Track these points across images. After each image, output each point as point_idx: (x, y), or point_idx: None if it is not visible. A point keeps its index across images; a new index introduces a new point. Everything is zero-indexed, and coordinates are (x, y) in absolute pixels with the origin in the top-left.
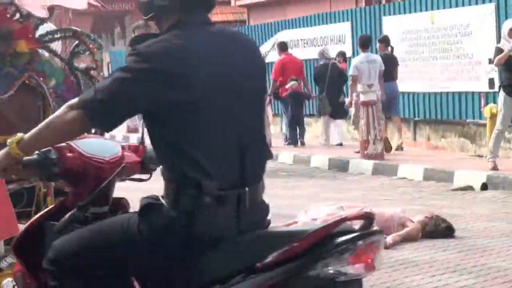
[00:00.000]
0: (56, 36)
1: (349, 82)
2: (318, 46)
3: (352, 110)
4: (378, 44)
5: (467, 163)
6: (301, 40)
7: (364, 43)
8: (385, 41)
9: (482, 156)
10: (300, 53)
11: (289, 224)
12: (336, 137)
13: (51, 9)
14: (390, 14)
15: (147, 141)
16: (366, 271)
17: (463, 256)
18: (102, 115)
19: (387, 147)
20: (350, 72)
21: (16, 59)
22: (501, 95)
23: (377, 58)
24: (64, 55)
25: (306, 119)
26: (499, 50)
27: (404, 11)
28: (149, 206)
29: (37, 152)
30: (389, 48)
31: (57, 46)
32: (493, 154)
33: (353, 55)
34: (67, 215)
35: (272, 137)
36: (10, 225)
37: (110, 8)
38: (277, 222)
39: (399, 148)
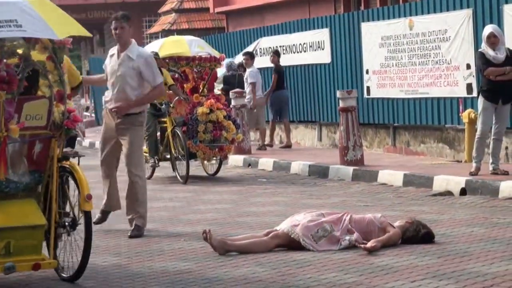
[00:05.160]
0: None
1: (250, 88)
2: (297, 52)
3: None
4: (272, 57)
5: (446, 168)
6: (280, 46)
7: (253, 58)
8: (278, 54)
9: (460, 161)
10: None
11: (269, 232)
12: None
13: None
14: (368, 21)
15: None
16: None
17: (442, 262)
18: None
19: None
20: (251, 80)
21: None
22: (480, 100)
23: (258, 71)
24: None
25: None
26: (482, 56)
27: (382, 17)
28: None
29: None
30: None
31: None
32: (477, 159)
33: (332, 61)
34: None
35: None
36: None
37: (89, 16)
38: (257, 229)
39: (286, 147)
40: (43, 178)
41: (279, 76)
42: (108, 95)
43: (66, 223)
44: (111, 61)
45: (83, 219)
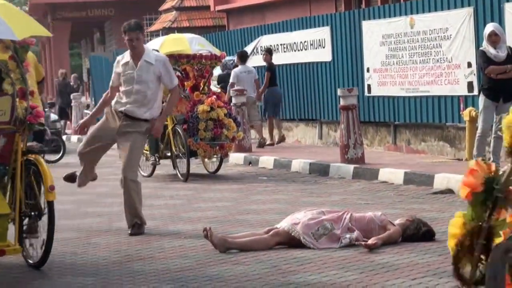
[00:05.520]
0: None
1: (229, 87)
2: (298, 50)
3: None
4: (264, 55)
5: (446, 166)
6: (281, 45)
7: (243, 57)
8: (270, 52)
9: (461, 160)
10: (280, 58)
11: (270, 229)
12: None
13: None
14: (369, 19)
15: None
16: None
17: (443, 259)
18: None
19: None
20: (231, 80)
21: None
22: (481, 98)
23: (252, 69)
24: None
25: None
26: (483, 54)
27: (383, 15)
28: None
29: None
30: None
31: None
32: (478, 157)
33: (333, 59)
34: None
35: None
36: None
37: (89, 14)
38: (257, 227)
39: (281, 141)
40: (8, 171)
41: (271, 73)
42: (122, 98)
43: (32, 213)
44: (127, 69)
45: (47, 208)
